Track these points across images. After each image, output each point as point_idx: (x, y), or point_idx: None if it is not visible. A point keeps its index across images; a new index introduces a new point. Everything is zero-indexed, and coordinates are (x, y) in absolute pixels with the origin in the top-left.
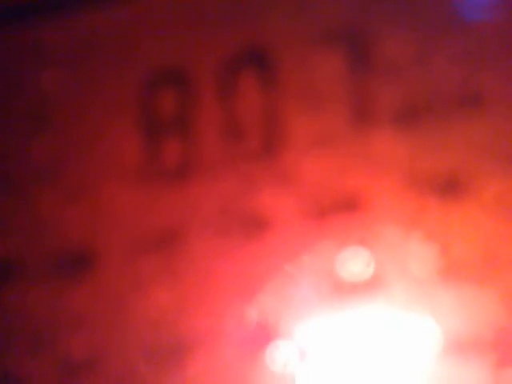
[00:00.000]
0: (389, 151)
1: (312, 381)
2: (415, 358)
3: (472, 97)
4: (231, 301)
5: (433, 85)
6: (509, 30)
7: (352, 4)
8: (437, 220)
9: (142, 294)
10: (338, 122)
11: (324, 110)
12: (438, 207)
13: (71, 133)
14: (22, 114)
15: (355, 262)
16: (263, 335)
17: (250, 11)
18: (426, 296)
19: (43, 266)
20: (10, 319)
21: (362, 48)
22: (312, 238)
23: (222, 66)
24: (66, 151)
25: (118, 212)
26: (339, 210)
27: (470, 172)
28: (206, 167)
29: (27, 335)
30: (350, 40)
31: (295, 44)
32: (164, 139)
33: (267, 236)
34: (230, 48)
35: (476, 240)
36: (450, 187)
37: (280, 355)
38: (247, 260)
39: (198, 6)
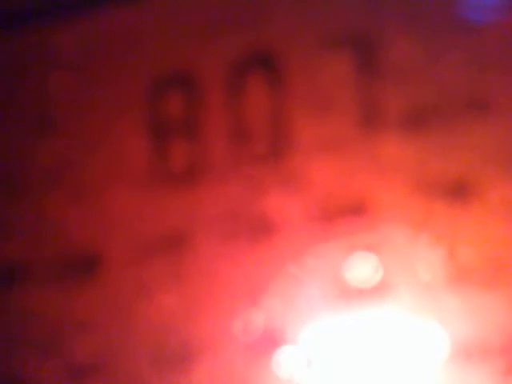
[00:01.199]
0: (396, 155)
1: None
2: (422, 364)
3: (478, 101)
4: (237, 305)
5: (439, 89)
6: None
7: (359, 8)
8: (444, 224)
9: (148, 297)
10: (345, 126)
11: (331, 114)
12: (445, 211)
13: (77, 135)
14: (28, 117)
15: (362, 266)
16: (269, 340)
17: (258, 15)
18: (433, 300)
19: (49, 270)
20: (15, 322)
21: (369, 52)
22: (319, 241)
23: (230, 69)
24: (71, 154)
25: (123, 215)
26: (346, 214)
27: (477, 176)
28: (212, 170)
29: (33, 338)
30: (357, 44)
31: (302, 48)
32: (171, 142)
33: (274, 239)
34: (237, 51)
35: (483, 244)
36: (457, 191)
37: (286, 360)
38: (254, 264)
39: (205, 9)
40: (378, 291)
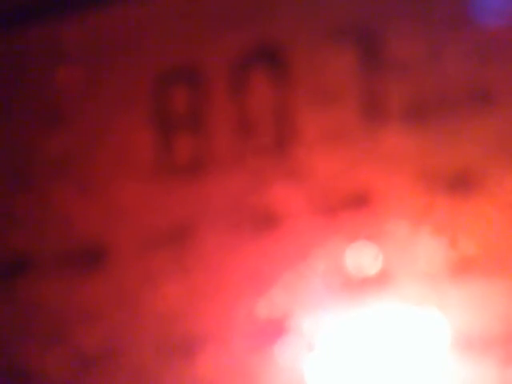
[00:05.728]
0: (399, 147)
1: (321, 375)
2: (424, 353)
3: (482, 93)
4: (242, 295)
5: (442, 81)
6: None
7: (362, 1)
8: (446, 216)
9: (154, 288)
10: (349, 118)
11: (334, 106)
12: (447, 203)
13: (83, 129)
14: (35, 111)
15: (365, 258)
16: (273, 330)
17: (262, 8)
18: (436, 291)
19: (56, 261)
20: (23, 313)
21: (372, 45)
22: (322, 233)
23: (234, 63)
24: (78, 147)
25: (129, 207)
26: (349, 206)
27: (479, 168)
28: (217, 163)
29: (40, 329)
30: (361, 37)
31: (306, 41)
32: (176, 135)
33: (277, 231)
34: (241, 45)
35: (485, 235)
36: (459, 183)
37: (290, 350)
38: (257, 255)
39: (210, 3)
40: (380, 282)
